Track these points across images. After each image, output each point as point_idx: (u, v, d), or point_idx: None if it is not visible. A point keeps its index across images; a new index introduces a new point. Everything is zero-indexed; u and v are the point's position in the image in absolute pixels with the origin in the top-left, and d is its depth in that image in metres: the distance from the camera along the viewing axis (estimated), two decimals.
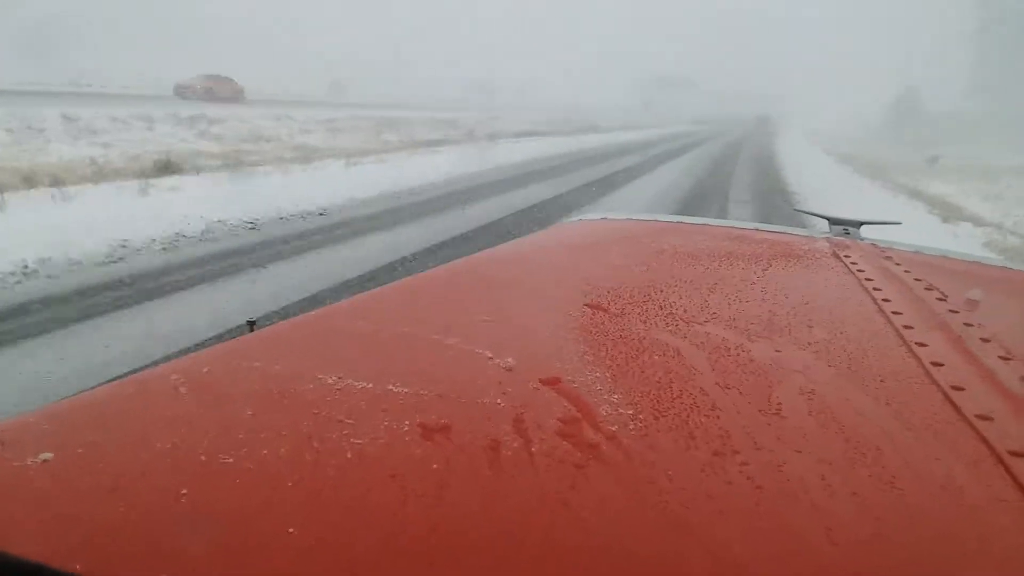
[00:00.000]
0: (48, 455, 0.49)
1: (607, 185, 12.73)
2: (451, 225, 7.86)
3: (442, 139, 20.69)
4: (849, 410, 0.63)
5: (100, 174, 9.95)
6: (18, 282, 4.82)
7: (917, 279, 1.14)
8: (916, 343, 0.82)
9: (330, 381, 0.63)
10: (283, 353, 0.70)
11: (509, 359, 0.70)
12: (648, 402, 0.62)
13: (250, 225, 7.28)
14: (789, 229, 1.65)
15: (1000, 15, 61.48)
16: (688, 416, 0.60)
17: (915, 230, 7.94)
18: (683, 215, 1.89)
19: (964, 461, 0.55)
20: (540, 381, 0.66)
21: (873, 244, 1.45)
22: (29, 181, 8.43)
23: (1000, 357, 0.78)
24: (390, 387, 0.62)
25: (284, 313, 4.16)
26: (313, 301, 4.49)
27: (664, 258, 1.27)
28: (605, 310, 0.91)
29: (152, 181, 9.21)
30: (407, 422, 0.56)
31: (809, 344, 0.80)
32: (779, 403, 0.63)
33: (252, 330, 0.85)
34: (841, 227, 1.63)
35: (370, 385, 0.62)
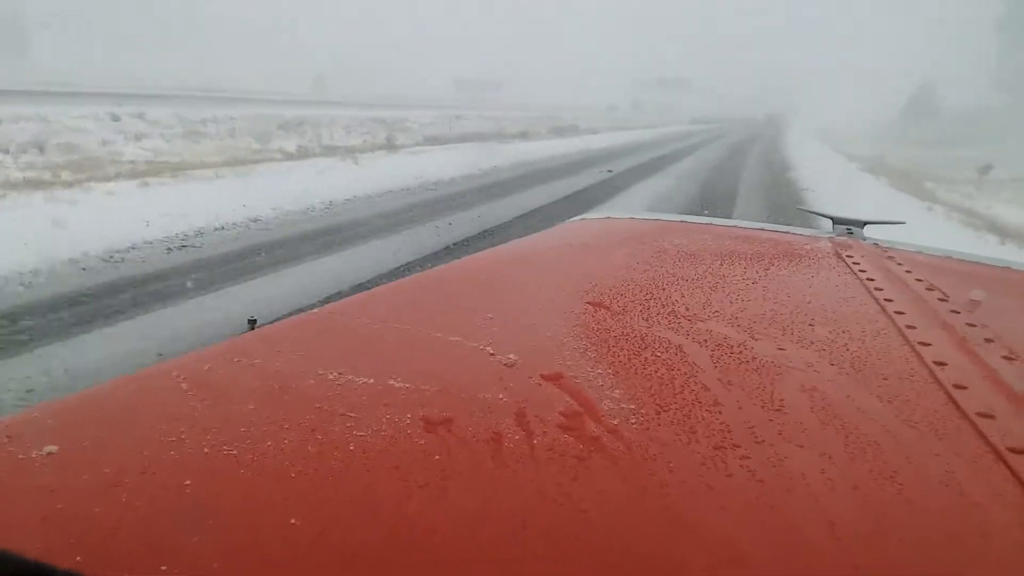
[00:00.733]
0: (53, 448, 0.50)
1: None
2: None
3: (354, 147, 17.14)
4: (851, 407, 0.65)
5: None
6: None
7: (919, 279, 1.16)
8: (919, 343, 0.83)
9: (331, 377, 0.64)
10: (284, 350, 0.72)
11: (511, 355, 0.72)
12: (650, 397, 0.64)
13: None
14: (792, 229, 1.67)
15: None
16: (690, 411, 0.61)
17: None
18: (687, 214, 1.87)
19: (964, 458, 0.57)
20: (542, 377, 0.67)
21: (876, 244, 1.47)
22: None
23: (1004, 357, 0.80)
24: (392, 382, 0.64)
25: None
26: None
27: (667, 257, 1.29)
28: (607, 308, 0.92)
29: None
30: (409, 416, 0.57)
31: (811, 343, 0.82)
32: (781, 399, 0.65)
33: (253, 329, 0.86)
34: (845, 227, 1.63)
35: (371, 381, 0.64)
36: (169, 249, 6.23)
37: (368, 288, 1.04)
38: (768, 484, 0.51)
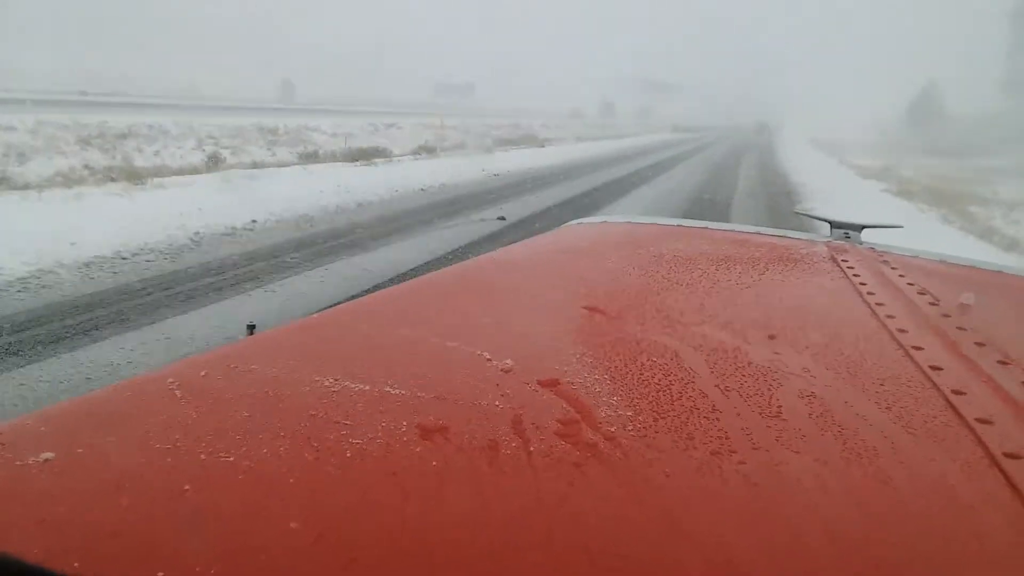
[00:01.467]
0: (49, 455, 0.51)
1: None
2: None
3: (180, 168, 12.68)
4: (847, 412, 0.66)
5: None
6: None
7: (910, 283, 1.18)
8: (912, 347, 0.85)
9: (327, 383, 0.66)
10: (280, 356, 0.73)
11: (508, 361, 0.73)
12: (647, 403, 0.66)
13: None
14: (789, 233, 1.67)
15: None
16: (687, 417, 0.63)
17: None
18: (683, 218, 1.90)
19: (960, 463, 0.59)
20: (539, 383, 0.69)
21: (872, 248, 1.49)
22: None
23: (999, 362, 0.82)
24: (388, 389, 0.65)
25: None
26: None
27: (663, 262, 1.30)
28: (603, 313, 0.94)
29: None
30: (405, 423, 0.59)
31: (806, 347, 0.84)
32: (777, 405, 0.67)
33: (251, 334, 0.87)
34: (842, 231, 1.65)
35: (367, 387, 0.65)
36: None
37: None
38: (764, 489, 0.52)
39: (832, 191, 15.70)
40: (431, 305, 0.97)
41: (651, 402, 0.66)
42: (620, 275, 1.19)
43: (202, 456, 0.52)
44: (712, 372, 0.74)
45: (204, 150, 15.66)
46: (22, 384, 3.60)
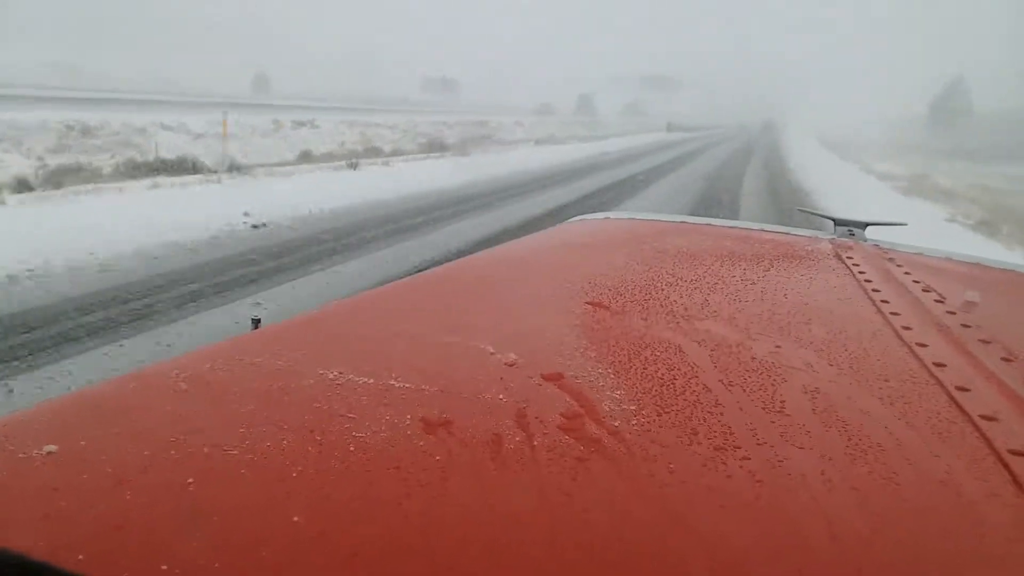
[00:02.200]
0: (52, 448, 0.52)
1: None
2: None
3: None
4: (851, 408, 0.67)
5: None
6: None
7: (916, 281, 1.19)
8: (917, 344, 0.87)
9: (331, 377, 0.67)
10: (285, 350, 0.74)
11: (511, 355, 0.74)
12: (650, 398, 0.67)
13: None
14: (793, 230, 1.68)
15: None
16: (690, 412, 0.64)
17: None
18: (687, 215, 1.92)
19: (964, 459, 0.60)
20: (542, 377, 0.70)
21: (876, 245, 1.50)
22: None
23: (1003, 359, 0.83)
24: (392, 383, 0.66)
25: None
26: None
27: (666, 257, 1.31)
28: (607, 308, 0.95)
29: None
30: (409, 417, 0.60)
31: (810, 343, 0.85)
32: (781, 400, 0.68)
33: (256, 328, 0.88)
34: (846, 228, 1.65)
35: (371, 381, 0.66)
36: None
37: None
38: (768, 485, 0.53)
39: (861, 208, 11.09)
40: (435, 300, 0.99)
41: (655, 397, 0.67)
42: (623, 270, 1.20)
43: (206, 449, 0.53)
44: (716, 367, 0.75)
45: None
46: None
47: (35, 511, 0.45)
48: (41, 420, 0.57)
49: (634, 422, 0.60)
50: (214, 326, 4.79)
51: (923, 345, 0.85)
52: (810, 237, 1.57)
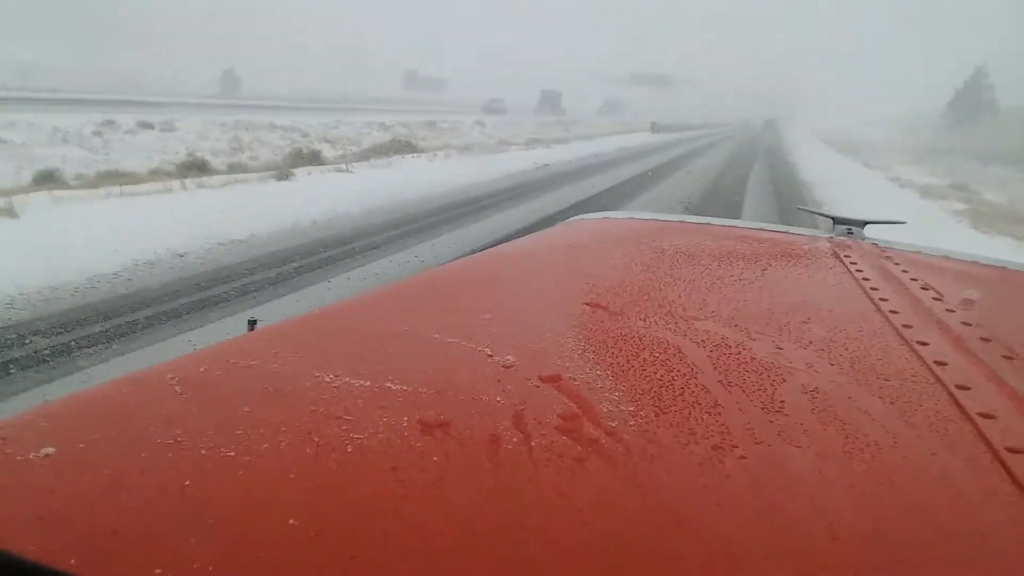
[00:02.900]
0: (50, 450, 0.54)
1: None
2: None
3: None
4: (849, 407, 0.69)
5: None
6: None
7: (914, 279, 1.20)
8: (917, 342, 0.88)
9: (327, 379, 0.68)
10: (281, 352, 0.75)
11: (509, 357, 0.75)
12: (648, 399, 0.68)
13: None
14: (792, 229, 1.70)
15: None
16: (688, 412, 0.65)
17: None
18: (685, 214, 1.91)
19: (962, 457, 0.61)
20: (540, 378, 0.71)
21: (874, 244, 1.52)
22: None
23: (1003, 356, 0.85)
24: (389, 384, 0.67)
25: None
26: None
27: (665, 257, 1.32)
28: (605, 308, 0.95)
29: None
30: (406, 418, 0.61)
31: (809, 342, 0.86)
32: (780, 400, 0.69)
33: (251, 330, 0.88)
34: (845, 227, 1.67)
35: (368, 383, 0.67)
36: None
37: None
38: (766, 484, 0.54)
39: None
40: (432, 301, 0.99)
41: (653, 397, 0.68)
42: (622, 270, 1.21)
43: (202, 452, 0.54)
44: (714, 367, 0.76)
45: None
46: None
47: (32, 513, 0.46)
48: (39, 422, 0.58)
49: (632, 423, 0.61)
50: None
51: (924, 343, 0.86)
52: (809, 236, 1.59)
